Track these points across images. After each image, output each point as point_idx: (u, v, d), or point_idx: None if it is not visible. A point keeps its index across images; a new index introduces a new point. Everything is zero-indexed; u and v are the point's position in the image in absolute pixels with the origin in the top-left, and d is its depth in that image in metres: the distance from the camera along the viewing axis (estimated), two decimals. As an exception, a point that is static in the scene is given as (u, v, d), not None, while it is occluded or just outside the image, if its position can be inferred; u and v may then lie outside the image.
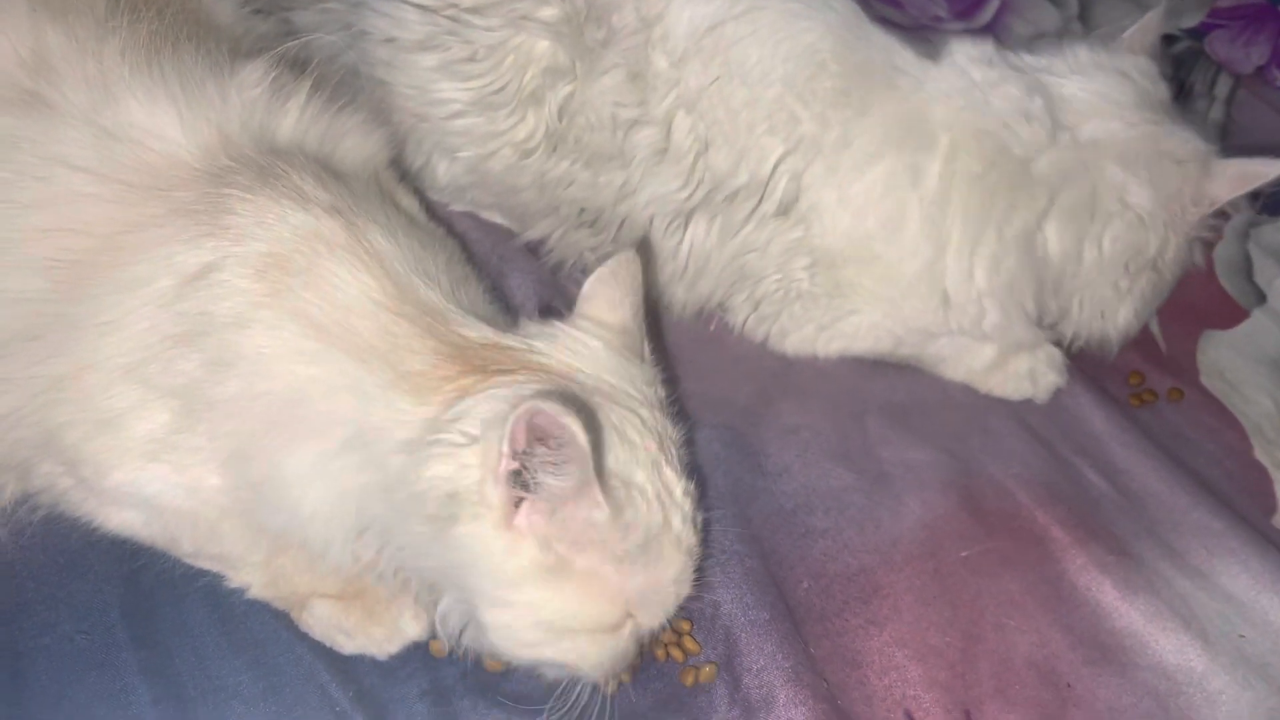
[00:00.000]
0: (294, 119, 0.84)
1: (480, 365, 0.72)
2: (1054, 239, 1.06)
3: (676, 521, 0.73)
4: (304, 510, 0.74)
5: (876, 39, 1.09)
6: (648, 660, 0.85)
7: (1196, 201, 1.08)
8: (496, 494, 0.67)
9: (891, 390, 1.12)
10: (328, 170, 0.81)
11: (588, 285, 0.80)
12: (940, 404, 1.11)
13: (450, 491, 0.68)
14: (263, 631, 0.82)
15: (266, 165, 0.78)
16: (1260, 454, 1.16)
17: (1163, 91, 1.11)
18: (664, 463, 0.73)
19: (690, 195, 1.07)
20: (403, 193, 0.91)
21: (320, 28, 1.15)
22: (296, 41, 0.93)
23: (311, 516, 0.74)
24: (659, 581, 0.73)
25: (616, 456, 0.71)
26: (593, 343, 0.76)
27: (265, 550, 0.81)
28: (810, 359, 1.13)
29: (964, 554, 0.97)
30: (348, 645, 0.82)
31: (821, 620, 0.90)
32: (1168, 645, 0.93)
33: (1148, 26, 1.14)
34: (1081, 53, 1.11)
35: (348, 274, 0.73)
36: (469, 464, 0.68)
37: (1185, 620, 0.95)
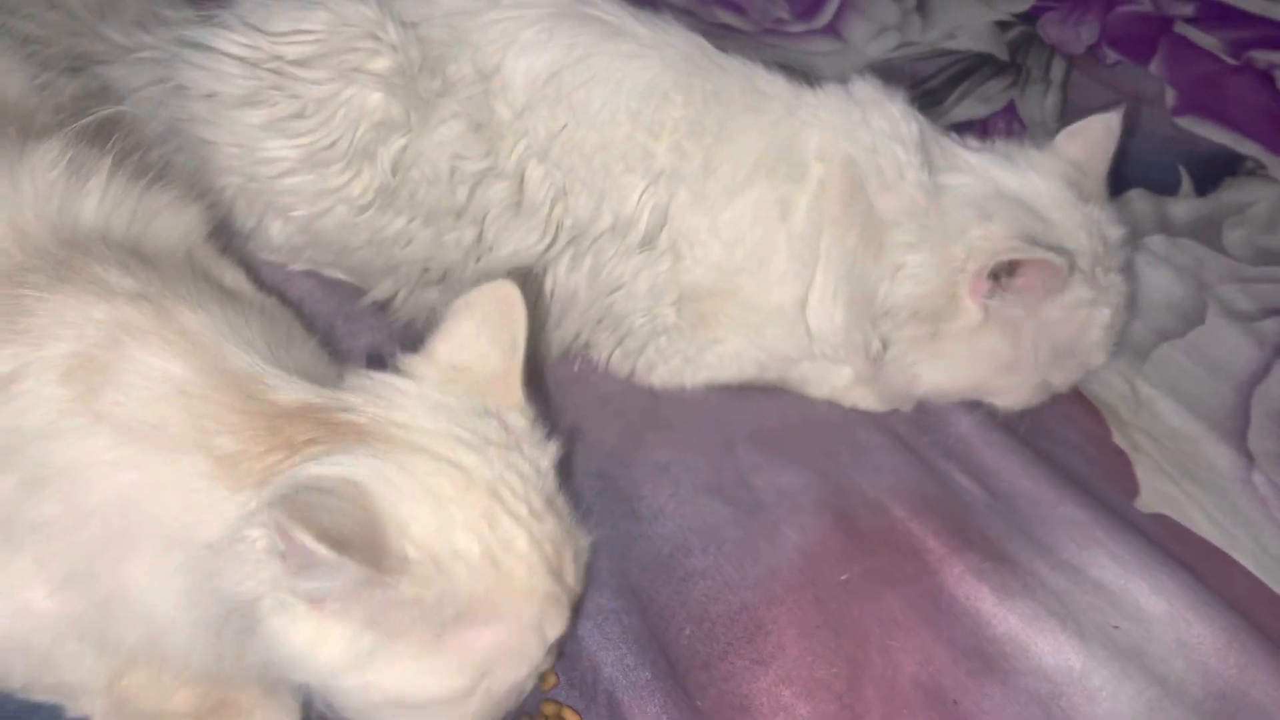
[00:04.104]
0: (96, 201, 0.77)
1: (289, 437, 0.66)
2: (874, 275, 1.03)
3: (521, 573, 0.66)
4: (158, 622, 0.68)
5: (732, 66, 1.08)
6: (530, 735, 0.82)
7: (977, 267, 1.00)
8: (290, 589, 0.63)
9: (759, 415, 1.11)
10: (135, 255, 0.75)
11: (447, 317, 0.75)
12: (808, 424, 1.11)
13: (251, 587, 0.64)
14: (112, 761, 0.76)
15: (65, 258, 0.72)
16: (1119, 438, 1.19)
17: (1066, 197, 1.03)
18: (500, 513, 0.66)
19: (550, 247, 1.04)
20: (225, 266, 0.85)
21: (133, 82, 1.09)
22: (94, 116, 0.86)
23: (166, 628, 0.68)
24: (510, 637, 0.67)
25: (424, 524, 0.64)
26: (412, 387, 0.70)
27: (108, 673, 0.75)
28: (677, 391, 1.11)
29: (843, 577, 0.97)
30: (210, 766, 0.77)
31: (706, 667, 0.89)
32: (1046, 647, 0.94)
33: (1095, 128, 1.08)
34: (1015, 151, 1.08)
35: (154, 361, 0.67)
36: (262, 559, 0.63)
37: (1061, 619, 0.96)
